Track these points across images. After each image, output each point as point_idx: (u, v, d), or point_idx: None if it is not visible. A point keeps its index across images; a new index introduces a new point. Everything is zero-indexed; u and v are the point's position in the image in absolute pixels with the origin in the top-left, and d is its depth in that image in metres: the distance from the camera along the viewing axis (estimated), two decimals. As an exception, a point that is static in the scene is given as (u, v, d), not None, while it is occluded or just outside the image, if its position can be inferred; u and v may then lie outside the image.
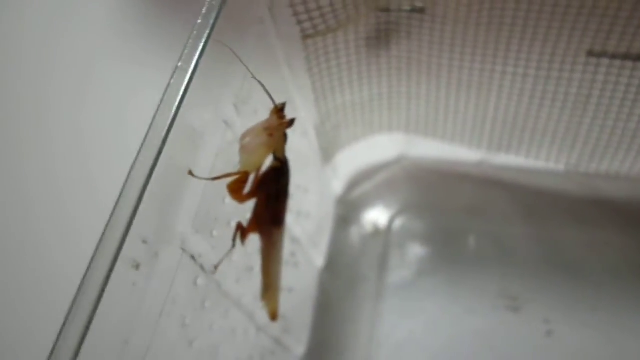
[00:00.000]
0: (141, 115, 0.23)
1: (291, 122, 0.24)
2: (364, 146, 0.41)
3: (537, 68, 0.34)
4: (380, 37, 0.34)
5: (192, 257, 0.23)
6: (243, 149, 0.24)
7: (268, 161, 0.25)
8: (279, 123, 0.23)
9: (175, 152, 0.22)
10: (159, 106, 0.22)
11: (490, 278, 0.37)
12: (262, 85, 0.23)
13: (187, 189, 0.23)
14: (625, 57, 0.33)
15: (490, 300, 0.36)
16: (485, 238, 0.39)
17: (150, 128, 0.21)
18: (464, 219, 0.40)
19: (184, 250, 0.22)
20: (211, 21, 0.23)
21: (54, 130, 0.40)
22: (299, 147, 0.36)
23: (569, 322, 0.35)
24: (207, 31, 0.23)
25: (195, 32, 0.23)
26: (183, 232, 0.22)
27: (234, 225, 0.25)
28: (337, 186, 0.42)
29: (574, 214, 0.39)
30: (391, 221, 0.41)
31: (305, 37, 0.32)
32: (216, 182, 0.24)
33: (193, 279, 0.23)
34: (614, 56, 0.33)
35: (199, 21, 0.24)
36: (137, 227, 0.19)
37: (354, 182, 0.42)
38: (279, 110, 0.24)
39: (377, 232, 0.40)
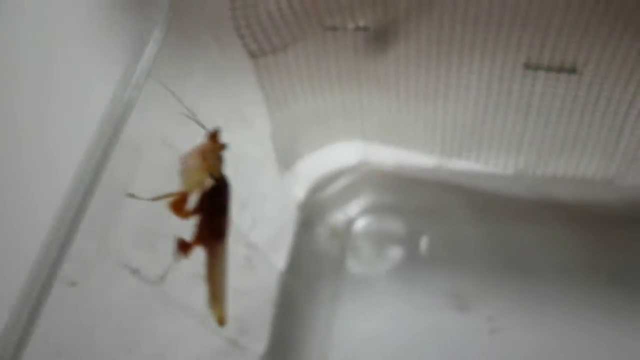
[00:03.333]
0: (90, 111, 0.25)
1: (223, 146, 0.26)
2: (325, 153, 0.43)
3: (478, 80, 0.36)
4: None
5: (134, 271, 0.25)
6: (182, 171, 0.26)
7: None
8: (213, 147, 0.25)
9: (116, 170, 0.24)
10: (102, 121, 0.24)
11: (440, 278, 0.39)
12: (194, 119, 0.25)
13: (127, 207, 0.25)
14: (560, 69, 0.34)
15: (439, 299, 0.38)
16: (438, 240, 0.41)
17: (92, 143, 0.23)
18: (420, 221, 0.42)
19: (124, 265, 0.24)
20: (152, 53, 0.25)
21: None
22: (255, 156, 0.38)
23: (513, 320, 0.37)
24: (148, 64, 0.25)
25: (139, 62, 0.25)
26: (122, 248, 0.24)
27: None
28: (299, 192, 0.43)
29: (524, 215, 0.41)
30: (350, 224, 0.43)
31: (253, 57, 0.33)
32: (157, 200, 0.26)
33: (135, 291, 0.25)
34: (549, 68, 0.34)
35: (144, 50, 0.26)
36: (75, 246, 0.21)
37: (316, 188, 0.44)
38: (213, 135, 0.26)
39: (336, 234, 0.42)
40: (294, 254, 0.41)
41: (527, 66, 0.34)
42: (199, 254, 0.29)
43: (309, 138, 0.41)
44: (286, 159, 0.41)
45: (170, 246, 0.27)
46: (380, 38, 0.35)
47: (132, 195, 0.25)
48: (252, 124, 0.36)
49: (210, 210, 0.27)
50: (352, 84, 0.38)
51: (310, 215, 0.43)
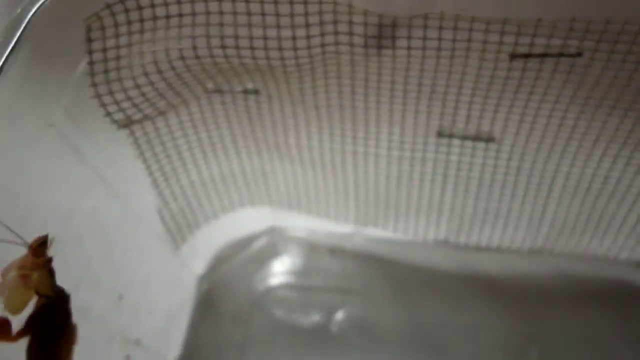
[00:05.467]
0: None
1: (49, 261, 0.20)
2: (228, 221, 0.38)
3: (388, 148, 0.32)
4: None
5: None
6: (0, 290, 0.20)
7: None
8: (33, 262, 0.20)
9: None
10: None
11: (354, 367, 0.35)
12: (7, 227, 0.20)
13: None
14: (476, 138, 0.31)
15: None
16: (354, 319, 0.37)
17: None
18: (333, 298, 0.38)
19: None
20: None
21: None
22: (135, 237, 0.32)
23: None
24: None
25: None
26: None
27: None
28: (198, 265, 0.38)
29: (446, 290, 0.37)
30: (257, 301, 0.38)
31: (121, 126, 0.28)
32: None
33: None
34: (464, 137, 0.31)
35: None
36: None
37: (219, 260, 0.39)
38: (36, 247, 0.20)
39: (241, 313, 0.37)
40: (190, 340, 0.36)
41: (440, 134, 0.31)
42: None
43: (208, 206, 0.36)
44: (180, 233, 0.36)
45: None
46: (274, 102, 0.30)
47: None
48: (129, 202, 0.31)
49: (41, 334, 0.22)
50: (250, 150, 0.34)
51: (210, 293, 0.38)
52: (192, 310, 0.37)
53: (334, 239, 0.39)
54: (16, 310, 0.21)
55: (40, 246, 0.20)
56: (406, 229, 0.37)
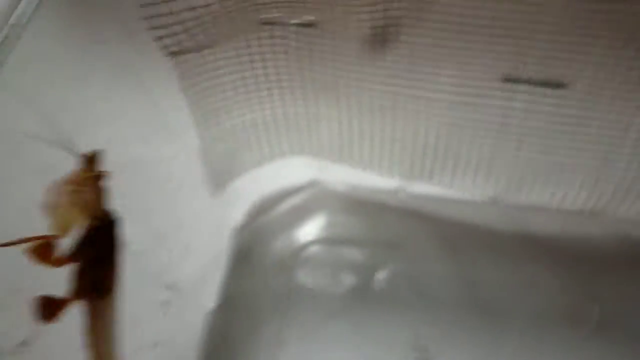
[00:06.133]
0: None
1: (101, 175, 0.19)
2: (271, 170, 0.36)
3: (447, 92, 0.30)
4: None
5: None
6: (47, 208, 0.19)
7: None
8: (86, 176, 0.19)
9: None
10: None
11: (401, 324, 0.33)
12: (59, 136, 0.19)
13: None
14: (546, 83, 0.29)
15: (400, 350, 0.32)
16: (399, 276, 0.35)
17: None
18: (378, 253, 0.36)
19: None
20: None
21: None
22: (179, 175, 0.31)
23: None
24: None
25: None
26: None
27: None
28: (237, 215, 0.37)
29: (498, 249, 0.35)
30: (297, 255, 0.36)
31: (171, 54, 0.27)
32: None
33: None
34: (531, 82, 0.29)
35: None
36: None
37: (258, 210, 0.38)
38: (88, 160, 0.19)
39: (280, 267, 0.36)
40: (228, 289, 0.35)
41: (506, 79, 0.29)
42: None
43: (248, 153, 0.35)
44: (220, 178, 0.34)
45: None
46: (327, 37, 0.28)
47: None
48: (178, 137, 0.30)
49: (90, 258, 0.21)
50: (296, 92, 0.32)
51: (249, 243, 0.37)
52: (228, 261, 0.36)
53: (378, 194, 0.37)
54: (63, 230, 0.20)
55: (92, 159, 0.19)
56: (455, 184, 0.35)
